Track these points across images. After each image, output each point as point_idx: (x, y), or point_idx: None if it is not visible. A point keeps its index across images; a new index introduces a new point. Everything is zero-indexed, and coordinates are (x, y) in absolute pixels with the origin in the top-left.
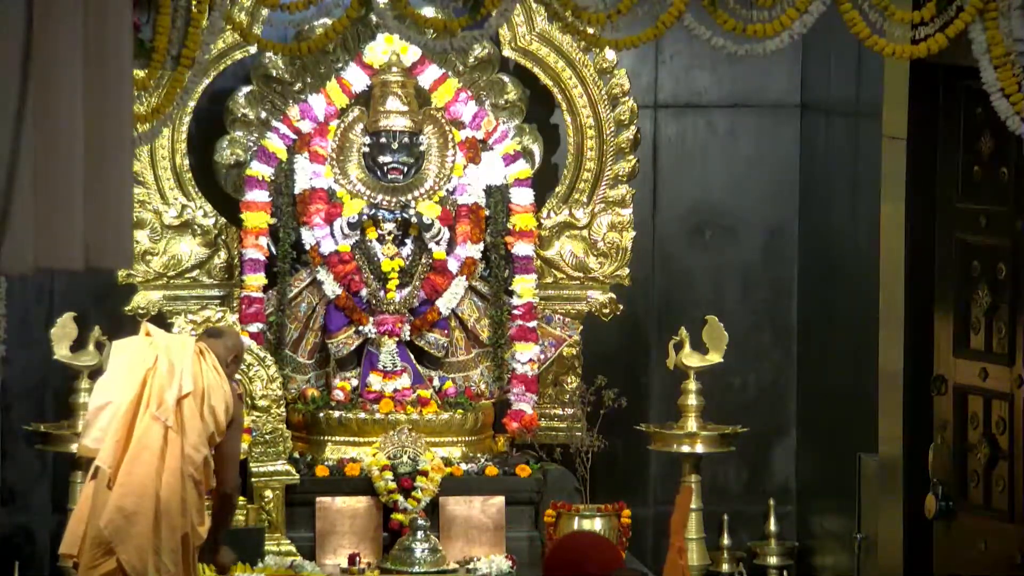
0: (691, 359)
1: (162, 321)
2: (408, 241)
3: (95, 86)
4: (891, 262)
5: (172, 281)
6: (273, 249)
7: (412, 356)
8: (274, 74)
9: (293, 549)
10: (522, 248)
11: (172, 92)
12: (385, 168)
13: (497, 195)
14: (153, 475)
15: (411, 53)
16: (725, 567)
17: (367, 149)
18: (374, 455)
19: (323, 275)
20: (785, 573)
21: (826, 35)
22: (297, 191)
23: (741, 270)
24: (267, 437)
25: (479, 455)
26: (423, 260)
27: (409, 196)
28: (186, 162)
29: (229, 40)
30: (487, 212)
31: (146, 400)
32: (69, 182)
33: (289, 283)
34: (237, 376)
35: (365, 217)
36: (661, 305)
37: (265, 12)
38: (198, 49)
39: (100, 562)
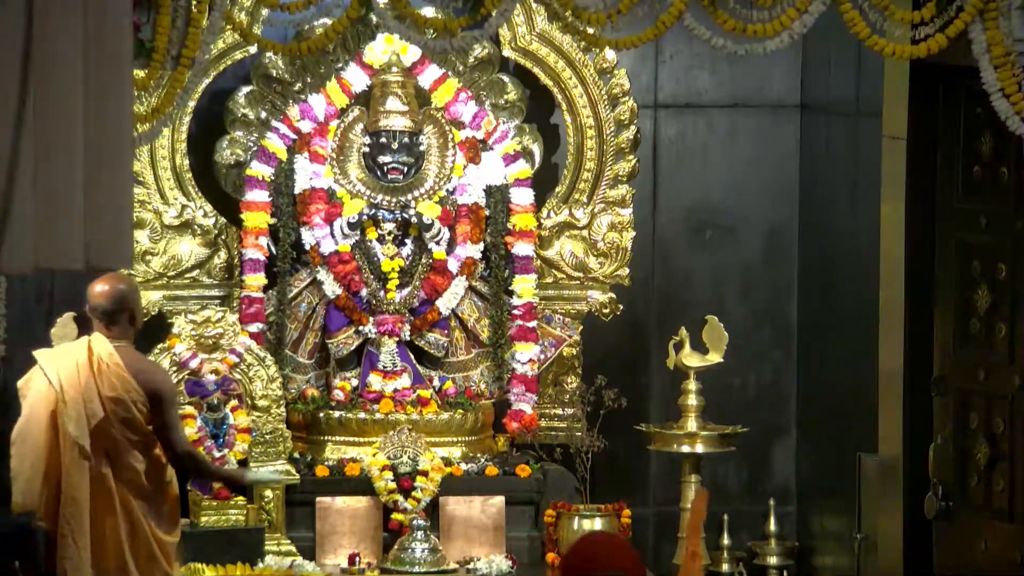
0: (691, 359)
1: (162, 321)
2: (408, 241)
3: (95, 86)
4: (891, 262)
5: (172, 281)
6: (273, 249)
7: (412, 356)
8: (274, 74)
9: (293, 549)
10: (522, 248)
11: (172, 92)
12: (385, 168)
13: (497, 195)
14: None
15: (411, 53)
16: (725, 567)
17: (367, 149)
18: (374, 455)
19: (323, 275)
20: (785, 573)
21: (826, 35)
22: (297, 191)
23: (741, 270)
24: (267, 437)
25: (479, 455)
26: (423, 260)
27: (409, 196)
28: (186, 162)
29: (229, 40)
30: (487, 212)
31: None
32: (69, 182)
33: (289, 283)
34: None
35: (365, 217)
36: (661, 305)
37: (265, 12)
38: (198, 49)
39: None
